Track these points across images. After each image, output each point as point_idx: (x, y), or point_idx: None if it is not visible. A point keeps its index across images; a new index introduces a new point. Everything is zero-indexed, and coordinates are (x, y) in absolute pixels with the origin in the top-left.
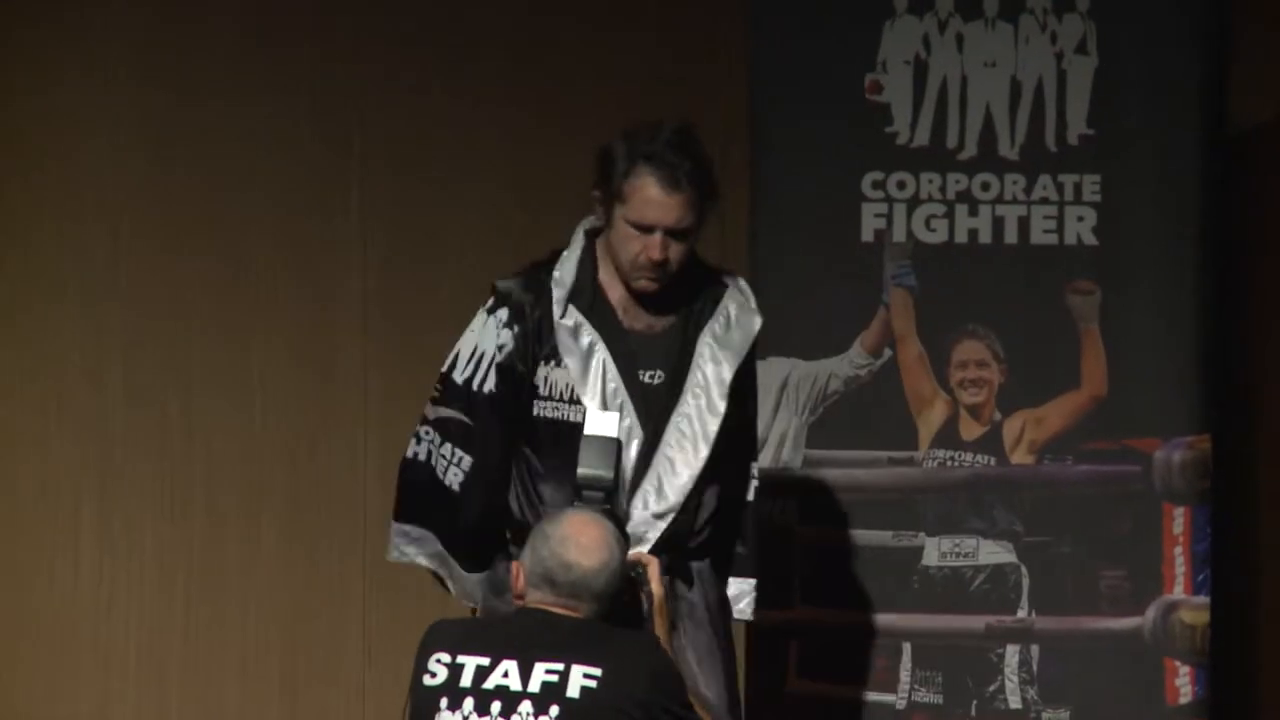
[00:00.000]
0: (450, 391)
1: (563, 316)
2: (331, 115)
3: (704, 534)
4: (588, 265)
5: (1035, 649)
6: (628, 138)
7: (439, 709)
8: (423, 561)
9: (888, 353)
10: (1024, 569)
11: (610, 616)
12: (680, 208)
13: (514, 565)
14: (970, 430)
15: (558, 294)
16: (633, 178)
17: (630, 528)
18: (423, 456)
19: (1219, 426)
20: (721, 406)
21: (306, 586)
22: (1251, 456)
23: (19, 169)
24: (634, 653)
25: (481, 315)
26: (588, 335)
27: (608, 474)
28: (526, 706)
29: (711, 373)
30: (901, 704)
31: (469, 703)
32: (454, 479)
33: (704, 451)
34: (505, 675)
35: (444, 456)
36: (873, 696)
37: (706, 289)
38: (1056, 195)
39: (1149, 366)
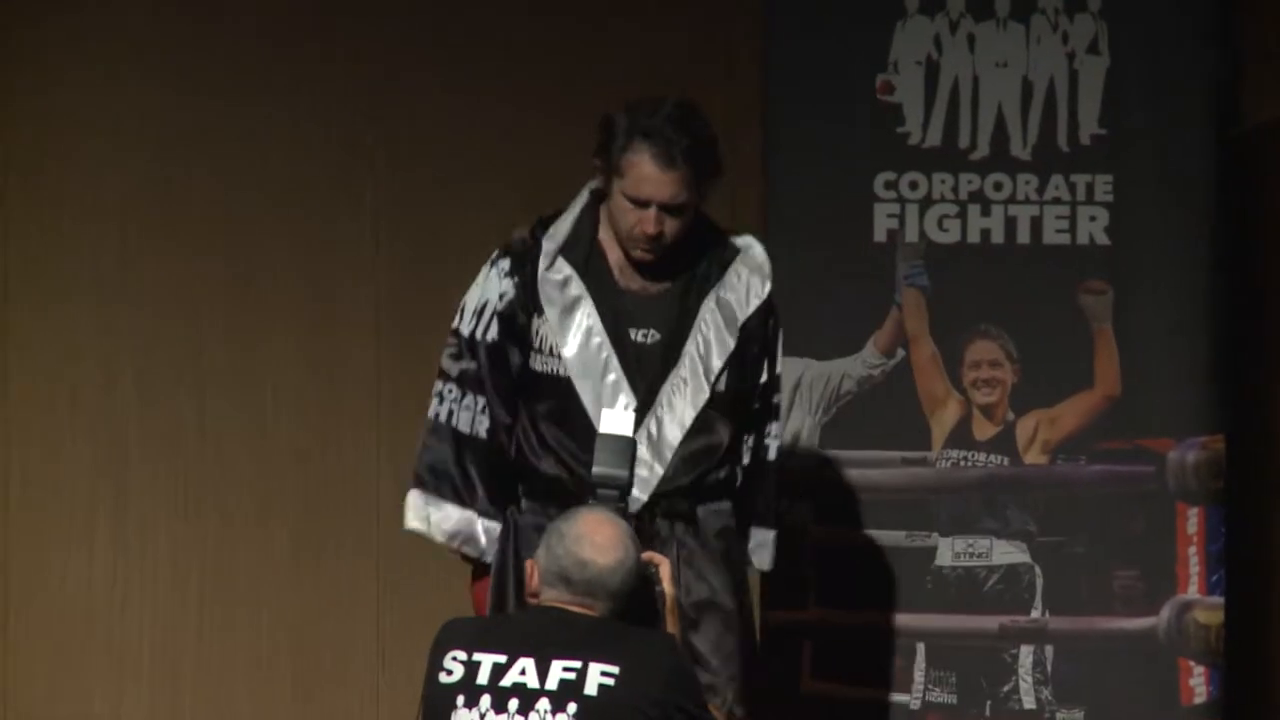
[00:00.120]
0: (462, 344)
1: (549, 269)
2: (344, 117)
3: (706, 490)
4: (586, 222)
5: (1049, 649)
6: (629, 110)
7: (455, 706)
8: (438, 539)
9: (901, 353)
10: (1038, 569)
11: (625, 615)
12: (675, 185)
13: (528, 564)
14: (983, 430)
15: (547, 246)
16: (629, 152)
17: None
18: (444, 416)
19: (1233, 426)
20: (718, 367)
21: (319, 587)
22: (1265, 456)
23: (30, 169)
24: (651, 652)
25: (486, 267)
26: (575, 289)
27: (622, 473)
28: (544, 704)
29: (713, 336)
30: (915, 704)
31: (486, 700)
32: (481, 426)
33: (691, 413)
34: (522, 673)
35: (468, 407)
36: (886, 697)
37: (714, 252)
38: (1069, 195)
39: (1162, 366)
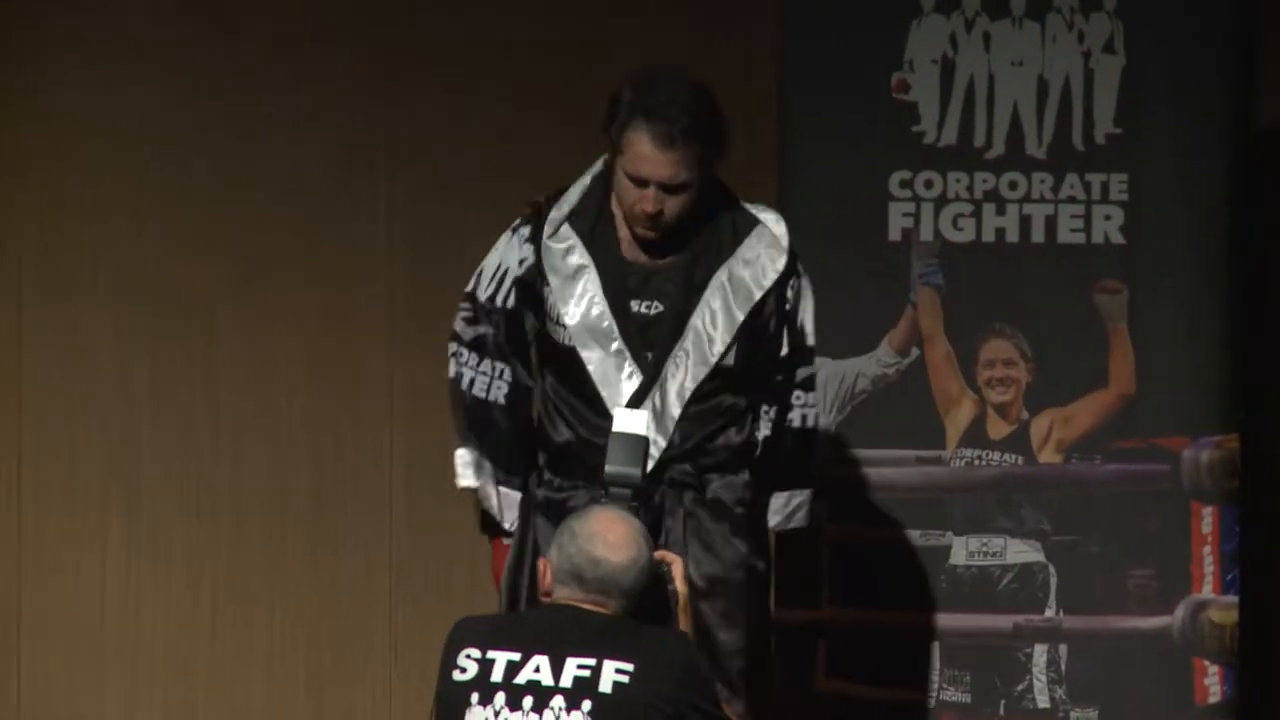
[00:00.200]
0: (479, 309)
1: (553, 236)
2: (357, 117)
3: (716, 461)
4: (596, 192)
5: (1063, 648)
6: (635, 84)
7: (469, 704)
8: (490, 491)
9: (915, 352)
10: (1052, 568)
11: (638, 614)
12: (672, 165)
13: (541, 562)
14: (998, 429)
15: (554, 215)
16: (630, 130)
17: None
18: (464, 383)
19: (1247, 425)
20: (725, 340)
21: (332, 586)
22: None
23: (42, 171)
24: (665, 649)
25: (506, 233)
26: (579, 258)
27: (636, 472)
28: (559, 701)
29: (720, 309)
30: (930, 703)
31: (500, 697)
32: (498, 392)
33: (692, 384)
34: (537, 670)
35: (484, 373)
36: (901, 696)
37: (730, 225)
38: (1084, 194)
39: (1177, 365)
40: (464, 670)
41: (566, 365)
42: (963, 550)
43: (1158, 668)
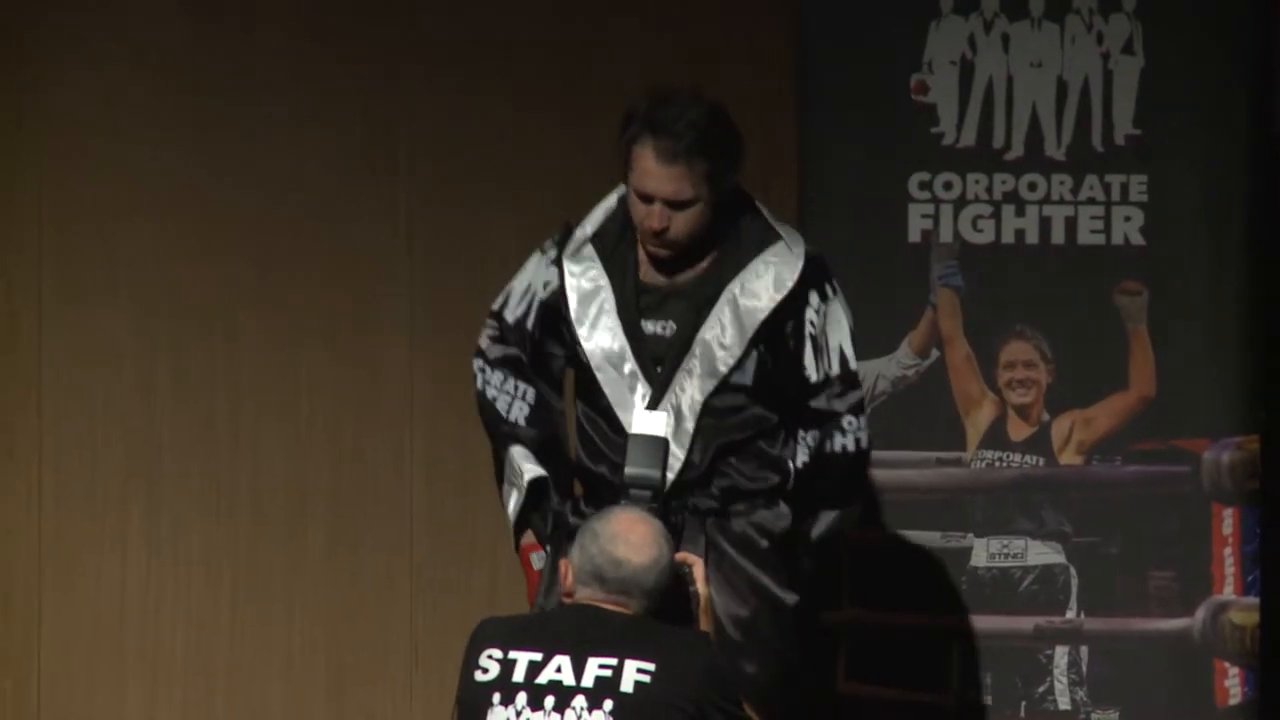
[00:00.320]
0: (505, 329)
1: (574, 257)
2: (378, 119)
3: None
4: (620, 214)
5: (1084, 650)
6: (648, 100)
7: (491, 704)
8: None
9: (935, 353)
10: (1073, 570)
11: (658, 614)
12: (676, 180)
13: (562, 563)
14: (1018, 431)
15: (577, 234)
16: (637, 145)
17: None
18: (489, 395)
19: (1268, 427)
20: (733, 356)
21: (352, 587)
22: None
23: (63, 171)
24: (687, 649)
25: (536, 254)
26: (597, 278)
27: (655, 473)
28: (580, 701)
29: (730, 320)
30: (950, 705)
31: (522, 697)
32: (519, 413)
33: (700, 400)
34: (558, 670)
35: (507, 392)
36: (921, 698)
37: (748, 243)
38: (1103, 195)
39: (1197, 367)
40: (486, 670)
41: (588, 387)
42: (984, 552)
43: (1178, 669)
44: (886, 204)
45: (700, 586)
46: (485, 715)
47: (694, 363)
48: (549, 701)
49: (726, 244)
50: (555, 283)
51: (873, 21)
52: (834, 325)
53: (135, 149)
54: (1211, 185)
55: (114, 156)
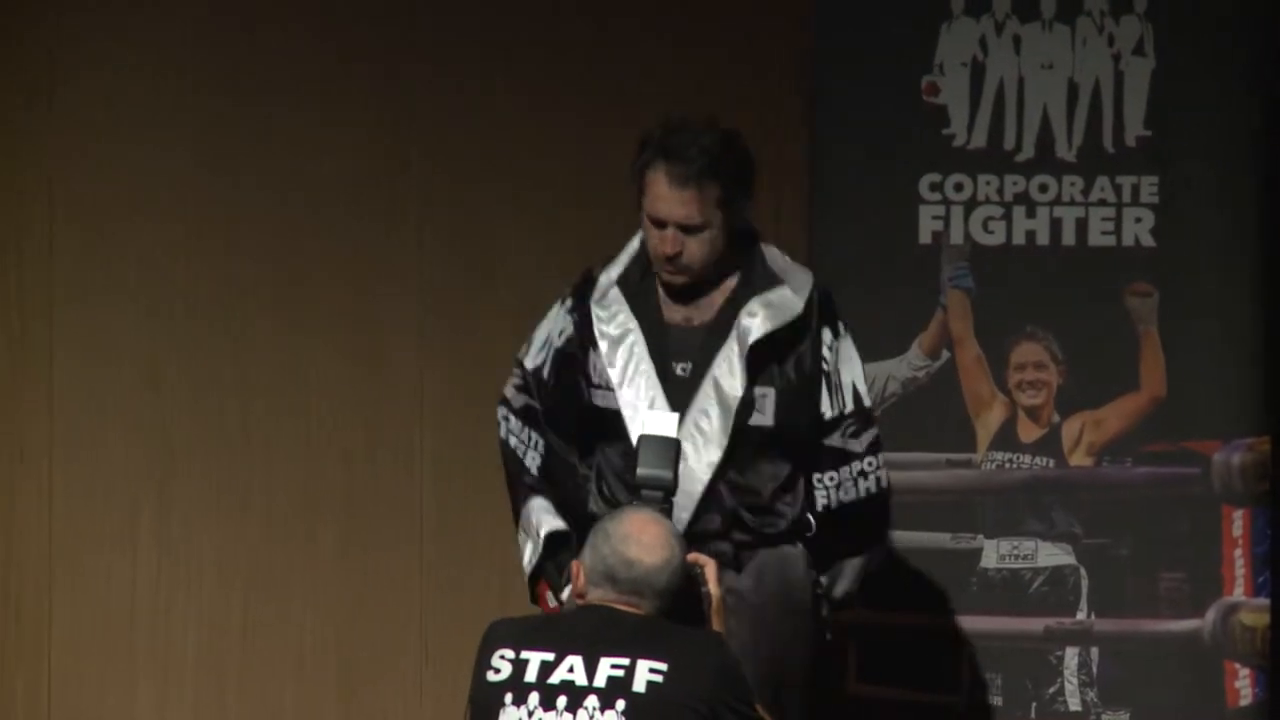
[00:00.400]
0: (525, 377)
1: (601, 300)
2: (389, 121)
3: (755, 532)
4: (642, 255)
5: (1095, 651)
6: (662, 127)
7: (503, 704)
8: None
9: (945, 355)
10: (1083, 571)
11: (670, 615)
12: (688, 204)
13: (574, 564)
14: (1029, 432)
15: (603, 280)
16: (649, 170)
17: None
18: (512, 443)
19: (1279, 428)
20: (736, 396)
21: (363, 587)
22: None
23: (74, 170)
24: (699, 649)
25: (556, 304)
26: (625, 322)
27: (667, 474)
28: (592, 701)
29: (736, 360)
30: (961, 706)
31: (534, 697)
32: (533, 462)
33: (715, 450)
34: (571, 670)
35: (523, 441)
36: (931, 699)
37: (760, 281)
38: (1114, 197)
39: (1208, 368)
40: (498, 671)
41: (614, 431)
42: (994, 553)
43: (1189, 670)
44: (897, 205)
45: (712, 587)
46: (498, 715)
47: (702, 407)
48: (561, 701)
49: (739, 283)
50: (570, 330)
51: (884, 23)
52: (846, 362)
53: (146, 149)
54: (1222, 186)
55: (124, 156)
